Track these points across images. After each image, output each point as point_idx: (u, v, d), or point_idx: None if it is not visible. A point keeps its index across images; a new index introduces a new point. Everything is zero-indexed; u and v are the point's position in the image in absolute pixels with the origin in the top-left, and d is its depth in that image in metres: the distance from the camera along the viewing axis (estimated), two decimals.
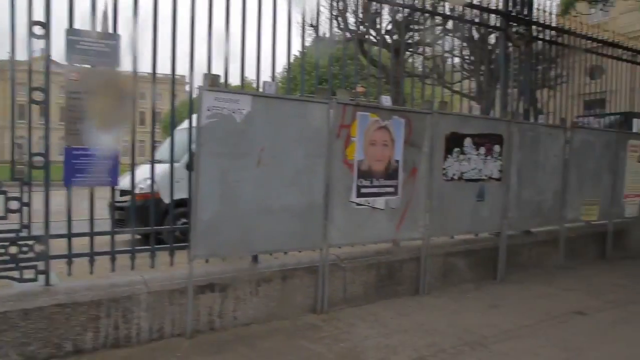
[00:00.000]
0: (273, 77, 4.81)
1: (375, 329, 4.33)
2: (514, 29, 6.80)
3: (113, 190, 4.21)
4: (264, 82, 4.30)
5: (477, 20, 6.61)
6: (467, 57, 12.16)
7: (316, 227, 4.56)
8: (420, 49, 11.62)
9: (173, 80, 4.26)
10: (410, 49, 12.07)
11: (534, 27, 7.03)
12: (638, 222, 7.88)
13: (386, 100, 4.97)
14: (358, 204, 4.79)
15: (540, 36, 7.20)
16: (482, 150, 5.74)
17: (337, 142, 4.64)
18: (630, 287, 6.06)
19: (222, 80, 4.18)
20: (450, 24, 6.97)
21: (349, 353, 3.82)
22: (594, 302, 5.30)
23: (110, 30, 3.96)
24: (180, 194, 4.55)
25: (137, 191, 6.59)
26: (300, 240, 4.52)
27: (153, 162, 4.40)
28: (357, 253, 5.08)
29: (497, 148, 5.90)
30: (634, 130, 8.57)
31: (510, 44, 6.80)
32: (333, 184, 4.61)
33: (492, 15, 6.71)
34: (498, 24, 6.79)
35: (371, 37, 14.37)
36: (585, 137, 7.03)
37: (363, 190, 4.82)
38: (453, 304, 5.10)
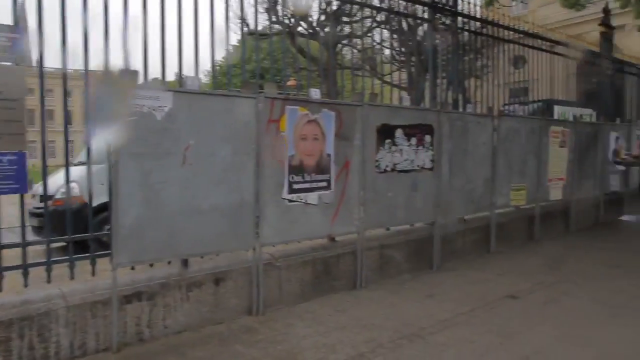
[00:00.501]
0: (196, 71, 4.58)
1: (313, 327, 4.23)
2: (440, 21, 6.89)
3: (22, 197, 3.85)
4: (186, 77, 4.08)
5: (405, 11, 6.64)
6: (397, 49, 12.31)
7: (248, 226, 4.39)
8: (352, 41, 11.63)
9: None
10: (342, 42, 12.05)
11: (459, 18, 7.16)
12: None
13: (315, 94, 4.85)
14: (290, 201, 4.67)
15: (466, 27, 7.35)
16: (414, 140, 5.75)
17: (266, 138, 4.48)
18: (557, 267, 6.30)
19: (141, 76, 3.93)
20: (380, 16, 6.98)
21: (286, 356, 3.69)
22: (525, 285, 5.46)
23: (12, 22, 3.61)
24: (105, 197, 4.24)
25: (58, 196, 6.21)
26: (231, 240, 4.33)
27: (67, 164, 4.08)
28: (291, 250, 4.95)
29: (428, 138, 5.93)
30: (555, 116, 8.96)
31: (437, 35, 6.88)
32: (264, 180, 4.45)
33: (420, 7, 6.77)
34: (426, 16, 6.86)
35: (302, 30, 14.24)
36: (512, 125, 7.23)
37: (295, 186, 4.69)
38: (390, 297, 5.09)
